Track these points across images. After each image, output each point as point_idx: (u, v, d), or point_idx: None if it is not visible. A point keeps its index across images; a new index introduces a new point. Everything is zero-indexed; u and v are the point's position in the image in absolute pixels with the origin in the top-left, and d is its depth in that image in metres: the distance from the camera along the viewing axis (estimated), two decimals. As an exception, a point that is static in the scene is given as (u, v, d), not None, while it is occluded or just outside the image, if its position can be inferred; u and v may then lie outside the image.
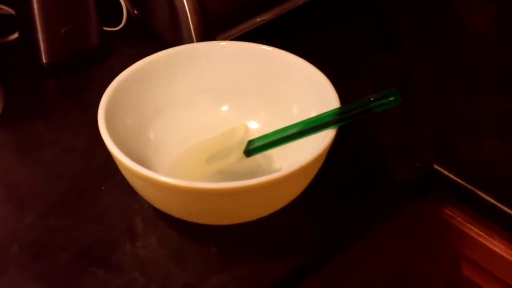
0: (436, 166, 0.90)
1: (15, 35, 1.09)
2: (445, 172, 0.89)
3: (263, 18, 1.07)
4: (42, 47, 1.02)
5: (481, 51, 1.10)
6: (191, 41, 1.00)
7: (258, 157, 0.84)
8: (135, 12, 1.11)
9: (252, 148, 0.82)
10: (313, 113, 0.82)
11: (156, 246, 0.80)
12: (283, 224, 0.82)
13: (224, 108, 0.92)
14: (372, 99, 0.76)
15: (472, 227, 0.93)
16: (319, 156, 0.75)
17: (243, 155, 0.82)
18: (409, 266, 1.04)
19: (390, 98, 0.76)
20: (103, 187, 0.86)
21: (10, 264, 0.78)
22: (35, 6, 0.99)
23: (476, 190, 0.87)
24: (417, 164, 0.90)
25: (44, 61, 1.03)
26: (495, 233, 0.91)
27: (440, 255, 1.00)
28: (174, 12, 1.00)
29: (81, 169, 0.89)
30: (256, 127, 0.90)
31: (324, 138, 0.77)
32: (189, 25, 0.99)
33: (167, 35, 1.04)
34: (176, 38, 1.02)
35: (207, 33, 1.01)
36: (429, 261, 1.03)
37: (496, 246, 0.91)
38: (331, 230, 0.83)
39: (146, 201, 0.82)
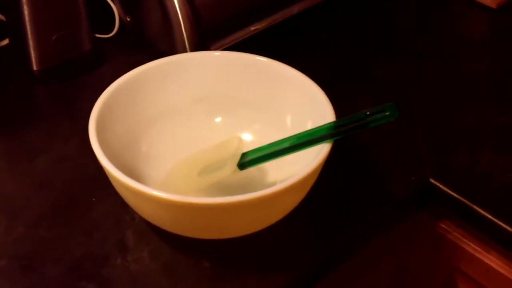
0: (432, 180, 0.89)
1: (6, 42, 1.08)
2: (441, 186, 0.88)
3: (257, 27, 1.06)
4: (33, 54, 1.01)
5: (477, 61, 1.09)
6: (184, 50, 0.99)
7: (252, 169, 0.83)
8: (128, 19, 1.10)
9: (246, 161, 0.81)
10: (308, 125, 0.81)
11: (147, 260, 0.78)
12: (278, 238, 0.81)
13: (218, 119, 0.91)
14: (368, 113, 0.75)
15: (468, 242, 0.92)
16: (314, 170, 0.74)
17: (236, 168, 0.81)
18: (406, 280, 1.03)
19: (387, 113, 0.75)
20: (94, 199, 0.85)
21: (-1, 277, 0.77)
22: (26, 12, 0.98)
23: (472, 204, 0.87)
24: (413, 178, 0.89)
25: (35, 68, 1.02)
26: (491, 248, 0.90)
27: (436, 269, 1.00)
28: (167, 20, 0.99)
29: (72, 179, 0.88)
30: (250, 139, 0.89)
31: (319, 152, 0.76)
32: (182, 33, 0.99)
33: (160, 43, 1.03)
34: (169, 46, 1.01)
35: (201, 42, 1.00)
36: (425, 275, 1.02)
37: (492, 261, 0.90)
38: (326, 244, 0.82)
39: (138, 214, 0.81)
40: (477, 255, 0.92)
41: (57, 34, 1.01)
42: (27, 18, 0.98)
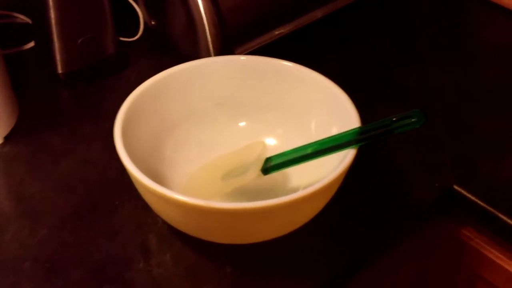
0: (455, 187, 0.88)
1: (31, 44, 1.09)
2: (465, 193, 0.88)
3: (281, 31, 1.06)
4: (58, 57, 1.02)
5: (501, 67, 1.08)
6: (209, 53, 0.99)
7: (275, 174, 0.83)
8: (152, 23, 1.10)
9: (270, 166, 0.80)
10: (333, 131, 0.81)
11: (170, 264, 0.78)
12: (301, 244, 0.80)
13: (242, 123, 0.91)
14: (394, 119, 0.75)
15: (491, 249, 0.92)
16: (339, 176, 0.74)
17: (260, 173, 0.81)
18: (427, 286, 1.02)
19: (413, 119, 0.74)
20: (116, 202, 0.85)
21: (22, 279, 0.77)
22: (52, 15, 0.98)
23: (496, 211, 0.86)
24: (437, 184, 0.89)
25: (60, 71, 1.02)
26: (514, 255, 0.90)
27: (458, 276, 0.99)
28: (192, 24, 0.99)
29: (95, 182, 0.88)
30: (274, 144, 0.89)
31: (343, 158, 0.76)
32: (207, 37, 0.98)
33: (184, 47, 1.03)
34: (193, 50, 1.01)
35: (225, 46, 1.00)
36: (447, 282, 1.01)
37: (515, 268, 0.90)
38: (350, 250, 0.82)
39: (160, 217, 0.81)
40: (500, 262, 0.91)
41: (82, 38, 1.01)
42: (53, 21, 0.98)
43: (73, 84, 1.03)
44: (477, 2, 1.20)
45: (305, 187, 0.74)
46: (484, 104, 1.01)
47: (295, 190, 0.83)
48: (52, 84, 1.04)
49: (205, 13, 0.97)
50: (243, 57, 0.93)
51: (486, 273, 0.94)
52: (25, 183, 0.88)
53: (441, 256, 0.98)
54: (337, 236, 0.83)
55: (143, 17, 1.11)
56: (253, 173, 0.81)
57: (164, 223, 0.81)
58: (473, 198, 0.87)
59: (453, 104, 1.01)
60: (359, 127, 0.78)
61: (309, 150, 0.79)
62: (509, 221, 0.85)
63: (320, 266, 0.80)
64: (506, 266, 0.90)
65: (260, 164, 0.81)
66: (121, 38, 1.09)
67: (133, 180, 0.76)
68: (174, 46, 1.06)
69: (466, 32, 1.16)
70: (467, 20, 1.19)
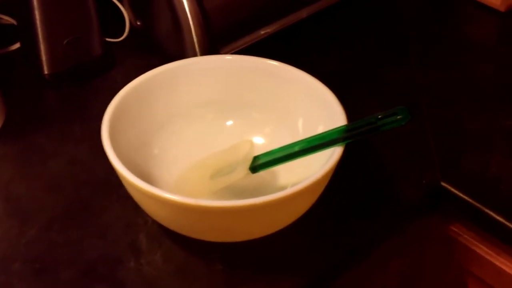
0: (443, 183, 0.89)
1: (17, 45, 1.08)
2: (452, 189, 0.88)
3: (267, 30, 1.07)
4: (44, 58, 1.01)
5: (487, 64, 1.09)
6: (194, 53, 0.99)
7: (263, 173, 0.83)
8: (138, 23, 1.10)
9: (258, 165, 0.81)
10: (320, 129, 0.81)
11: (160, 263, 0.79)
12: (290, 242, 0.81)
13: (229, 122, 0.91)
14: (379, 116, 0.76)
15: (479, 245, 0.92)
16: (326, 174, 0.75)
17: (248, 171, 0.81)
18: (416, 283, 1.03)
19: (398, 116, 0.75)
20: (106, 202, 0.85)
21: (13, 280, 0.77)
22: (37, 16, 0.98)
23: (483, 207, 0.87)
24: (424, 181, 0.89)
25: (46, 72, 1.02)
26: (502, 250, 0.90)
27: (447, 272, 1.00)
28: (178, 24, 0.99)
29: (83, 182, 0.88)
30: (262, 143, 0.89)
31: (330, 156, 0.76)
32: (193, 37, 0.99)
33: (170, 47, 1.04)
34: (179, 50, 1.01)
35: (211, 46, 1.00)
36: (435, 278, 1.02)
37: (503, 264, 0.90)
38: (338, 248, 0.82)
39: (150, 217, 0.81)
40: (488, 257, 0.92)
41: (68, 38, 1.01)
42: (38, 22, 0.98)
43: (59, 85, 1.03)
44: (463, 1, 1.21)
45: (293, 185, 0.75)
46: (470, 101, 1.02)
47: (283, 188, 0.83)
48: (38, 85, 1.03)
49: (191, 13, 0.98)
50: (229, 57, 0.93)
51: (475, 269, 0.95)
52: (13, 183, 0.88)
53: (429, 252, 0.99)
54: (325, 233, 0.83)
55: (129, 18, 1.11)
56: (242, 172, 0.81)
57: (154, 222, 0.82)
58: (460, 194, 0.88)
59: (440, 101, 1.02)
60: (346, 125, 0.78)
61: (296, 148, 0.79)
62: (496, 216, 0.85)
63: (309, 264, 0.80)
64: (495, 261, 0.91)
65: (248, 163, 0.81)
66: (107, 39, 1.09)
67: (122, 180, 0.76)
68: (160, 46, 1.06)
69: (452, 30, 1.17)
70: (453, 18, 1.20)
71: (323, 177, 0.74)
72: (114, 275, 0.77)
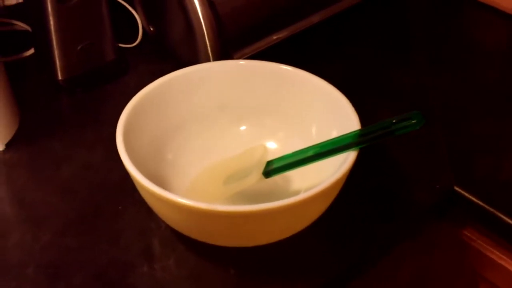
0: (456, 188, 0.89)
1: (31, 51, 1.09)
2: (465, 194, 0.88)
3: (279, 36, 1.07)
4: (58, 64, 1.02)
5: (498, 69, 1.09)
6: (207, 59, 1.00)
7: (277, 178, 0.83)
8: (151, 29, 1.10)
9: (271, 169, 0.81)
10: (333, 134, 0.81)
11: (174, 268, 0.79)
12: (303, 247, 0.81)
13: (243, 127, 0.91)
14: (394, 121, 0.75)
15: (492, 249, 0.92)
16: (340, 179, 0.75)
17: (262, 176, 0.81)
18: (428, 287, 1.02)
19: (413, 121, 0.75)
20: (119, 207, 0.85)
21: (25, 285, 0.77)
22: (51, 23, 0.98)
23: (497, 211, 0.86)
24: (437, 186, 0.89)
25: (60, 77, 1.03)
26: (515, 255, 0.90)
27: (459, 277, 0.99)
28: (191, 30, 0.99)
29: (97, 187, 0.89)
30: (275, 147, 0.89)
31: (344, 161, 0.76)
32: (206, 43, 0.99)
33: (183, 53, 1.04)
34: (192, 55, 1.01)
35: (223, 51, 1.00)
36: (448, 283, 1.02)
37: (516, 269, 0.90)
38: (350, 252, 0.82)
39: (164, 222, 0.81)
40: (502, 262, 0.92)
41: (82, 44, 1.02)
42: (52, 28, 0.99)
43: (73, 91, 1.04)
44: (472, 4, 1.21)
45: (306, 190, 0.75)
46: (482, 105, 1.01)
47: (296, 193, 0.83)
48: (52, 90, 1.04)
49: (204, 18, 0.98)
50: (242, 62, 0.93)
51: (488, 274, 0.94)
52: (27, 189, 0.88)
53: (442, 257, 0.99)
54: (338, 238, 0.83)
55: (142, 24, 1.12)
56: (255, 177, 0.81)
57: (167, 227, 0.82)
58: (473, 199, 0.88)
59: (451, 105, 1.02)
60: (359, 130, 0.78)
61: (309, 153, 0.79)
62: (510, 221, 0.85)
63: (322, 268, 0.80)
64: (508, 267, 0.91)
65: (261, 168, 0.81)
66: (120, 45, 1.10)
67: (136, 184, 0.76)
68: (173, 51, 1.07)
69: (462, 34, 1.17)
70: (463, 22, 1.19)
71: (337, 182, 0.74)
72: (127, 280, 0.77)
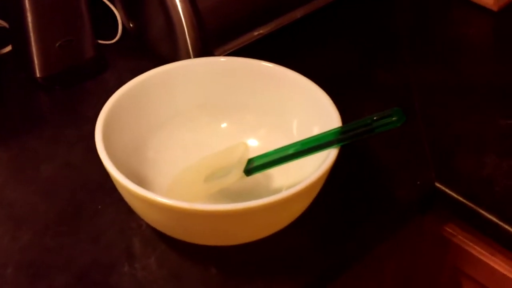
0: (437, 184, 0.89)
1: (8, 48, 1.08)
2: (447, 190, 0.88)
3: (261, 31, 1.06)
4: (36, 61, 1.01)
5: (480, 65, 1.09)
6: (188, 55, 0.99)
7: (258, 175, 0.83)
8: (131, 25, 1.10)
9: (252, 167, 0.80)
10: (314, 131, 0.81)
11: (155, 267, 0.78)
12: (285, 245, 0.81)
13: (223, 125, 0.91)
14: (374, 118, 0.75)
15: (474, 245, 0.92)
16: (321, 176, 0.74)
17: (243, 174, 0.81)
18: (411, 283, 1.03)
19: (393, 118, 0.74)
20: (99, 206, 0.85)
21: (5, 286, 0.76)
22: (29, 19, 0.98)
23: (478, 208, 0.87)
24: (418, 182, 0.89)
25: (38, 75, 1.02)
26: (496, 251, 0.90)
27: (441, 273, 0.99)
28: (171, 26, 0.98)
29: (77, 186, 0.88)
30: (256, 145, 0.89)
31: (326, 158, 0.76)
32: (186, 39, 0.98)
33: (163, 49, 1.03)
34: (172, 52, 1.00)
35: (204, 47, 1.00)
36: (430, 279, 1.02)
37: (497, 264, 0.90)
38: (333, 250, 0.82)
39: (144, 221, 0.81)
40: (483, 258, 0.92)
41: (60, 41, 1.01)
42: (30, 25, 0.98)
43: (52, 88, 1.03)
44: (455, 1, 1.21)
45: (288, 188, 0.75)
46: (464, 101, 1.01)
47: (278, 190, 0.83)
48: (30, 88, 1.03)
49: (184, 14, 0.97)
50: (223, 59, 0.93)
51: (469, 269, 0.95)
52: (6, 188, 0.88)
53: (424, 253, 0.99)
54: (320, 236, 0.83)
55: (121, 20, 1.11)
56: (236, 175, 0.81)
57: (148, 226, 0.81)
58: (454, 195, 0.88)
59: (433, 101, 1.02)
60: (340, 127, 0.78)
61: (291, 151, 0.79)
62: (490, 217, 0.85)
63: (304, 266, 0.80)
64: (489, 262, 0.91)
65: (242, 166, 0.81)
66: (100, 41, 1.09)
67: (115, 183, 0.76)
68: (153, 48, 1.06)
69: (445, 30, 1.16)
70: (446, 18, 1.19)
71: (318, 179, 0.74)
72: (108, 280, 0.77)
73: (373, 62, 1.09)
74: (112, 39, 1.10)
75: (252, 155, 0.82)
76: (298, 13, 1.10)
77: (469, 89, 1.04)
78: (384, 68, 1.08)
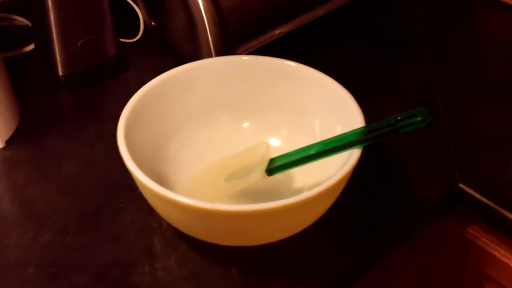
0: (461, 185, 0.88)
1: (31, 47, 1.08)
2: (470, 191, 0.87)
3: (282, 30, 1.06)
4: (58, 59, 1.01)
5: (504, 64, 1.08)
6: (210, 54, 0.99)
7: (279, 175, 0.82)
8: (152, 23, 1.09)
9: (274, 167, 0.80)
10: (338, 131, 0.80)
11: (175, 267, 0.78)
12: (306, 245, 0.80)
13: (245, 124, 0.90)
14: (399, 118, 0.74)
15: (497, 247, 0.91)
16: (344, 177, 0.74)
17: (264, 174, 0.80)
18: (432, 286, 1.02)
19: (418, 118, 0.74)
20: (120, 205, 0.85)
21: (26, 285, 0.76)
22: (52, 17, 0.97)
23: (501, 209, 0.86)
24: (442, 183, 0.88)
25: (61, 73, 1.02)
26: (520, 253, 0.89)
27: (463, 275, 0.99)
28: (193, 24, 0.98)
29: (98, 185, 0.88)
30: (278, 144, 0.88)
31: (348, 158, 0.75)
32: (208, 38, 0.98)
33: (185, 48, 1.03)
34: (194, 50, 1.00)
35: (226, 46, 0.99)
36: (452, 281, 1.01)
37: (521, 266, 0.90)
38: (355, 250, 0.81)
39: (165, 220, 0.81)
40: (506, 260, 0.91)
41: (82, 39, 1.01)
42: (53, 23, 0.98)
43: (74, 86, 1.03)
44: (478, -2, 1.20)
45: (309, 188, 0.74)
46: (488, 101, 1.00)
47: (299, 191, 0.83)
48: (52, 86, 1.03)
49: (206, 13, 0.97)
50: (245, 57, 0.92)
51: (492, 271, 0.94)
52: (28, 187, 0.88)
53: (447, 254, 0.98)
54: (342, 236, 0.82)
55: (143, 18, 1.10)
56: (258, 174, 0.80)
57: (169, 225, 0.81)
58: (478, 196, 0.87)
59: (457, 102, 1.01)
60: (364, 127, 0.77)
61: (313, 151, 0.78)
62: (514, 218, 0.84)
63: (326, 266, 0.79)
64: (512, 264, 0.90)
65: (264, 165, 0.81)
66: (122, 40, 1.09)
67: (137, 183, 0.75)
68: (175, 46, 1.06)
69: (468, 29, 1.15)
70: (469, 17, 1.18)
71: (341, 180, 0.73)
72: (128, 279, 0.76)
73: (394, 61, 1.08)
74: (134, 37, 1.10)
75: (274, 154, 0.81)
76: (319, 12, 1.09)
77: (492, 88, 1.02)
78: (407, 67, 1.07)
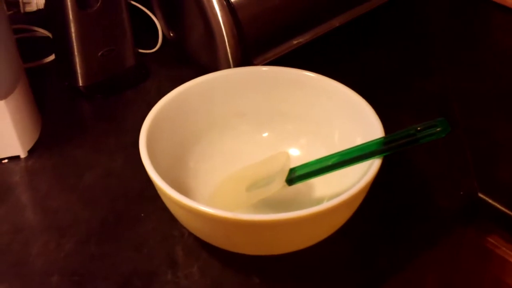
0: (480, 194, 0.88)
1: (51, 58, 1.09)
2: (490, 201, 0.88)
3: (300, 40, 1.06)
4: (78, 70, 1.02)
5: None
6: (228, 64, 0.99)
7: (300, 185, 0.82)
8: (171, 34, 1.10)
9: (294, 177, 0.80)
10: (356, 141, 0.81)
11: (197, 276, 0.78)
12: (326, 255, 0.80)
13: (265, 134, 0.91)
14: (418, 128, 0.75)
15: (517, 257, 0.91)
16: (364, 187, 0.74)
17: (285, 183, 0.81)
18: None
19: (438, 128, 0.74)
20: (142, 214, 0.85)
21: (50, 293, 0.77)
22: (72, 29, 0.99)
23: (521, 219, 0.86)
24: (461, 193, 0.88)
25: (81, 84, 1.03)
26: (540, 263, 0.89)
27: (483, 284, 0.99)
28: (211, 35, 0.99)
29: (119, 194, 0.88)
30: (298, 154, 0.89)
31: (368, 169, 0.75)
32: (226, 48, 0.99)
33: (203, 58, 1.04)
34: (212, 61, 1.01)
35: (244, 57, 1.00)
36: (472, 290, 1.01)
37: (541, 276, 0.90)
38: (375, 260, 0.81)
39: (186, 229, 0.81)
40: (526, 270, 0.91)
41: (102, 50, 1.02)
42: (73, 35, 0.99)
43: (93, 97, 1.03)
44: (494, 7, 1.20)
45: (330, 198, 0.75)
46: (506, 110, 1.00)
47: (320, 200, 0.83)
48: (73, 97, 1.04)
49: (224, 24, 0.97)
50: (264, 68, 0.93)
51: (512, 281, 0.94)
52: (50, 196, 0.88)
53: (466, 264, 0.98)
54: (362, 246, 0.83)
55: (162, 29, 1.11)
56: (278, 184, 0.81)
57: (190, 234, 0.82)
58: (498, 205, 0.87)
59: (474, 110, 1.01)
60: (384, 137, 0.78)
61: (333, 161, 0.78)
62: (534, 228, 0.85)
63: (345, 276, 0.80)
64: (532, 274, 0.90)
65: (284, 175, 0.81)
66: (140, 50, 1.10)
67: (159, 192, 0.76)
68: (193, 57, 1.06)
69: (485, 38, 1.16)
70: (486, 26, 1.18)
71: (361, 190, 0.74)
72: (151, 288, 0.77)
73: (412, 71, 1.09)
74: (153, 48, 1.11)
75: (293, 164, 0.82)
76: (336, 22, 1.09)
77: (509, 96, 1.02)
78: (424, 76, 1.07)
